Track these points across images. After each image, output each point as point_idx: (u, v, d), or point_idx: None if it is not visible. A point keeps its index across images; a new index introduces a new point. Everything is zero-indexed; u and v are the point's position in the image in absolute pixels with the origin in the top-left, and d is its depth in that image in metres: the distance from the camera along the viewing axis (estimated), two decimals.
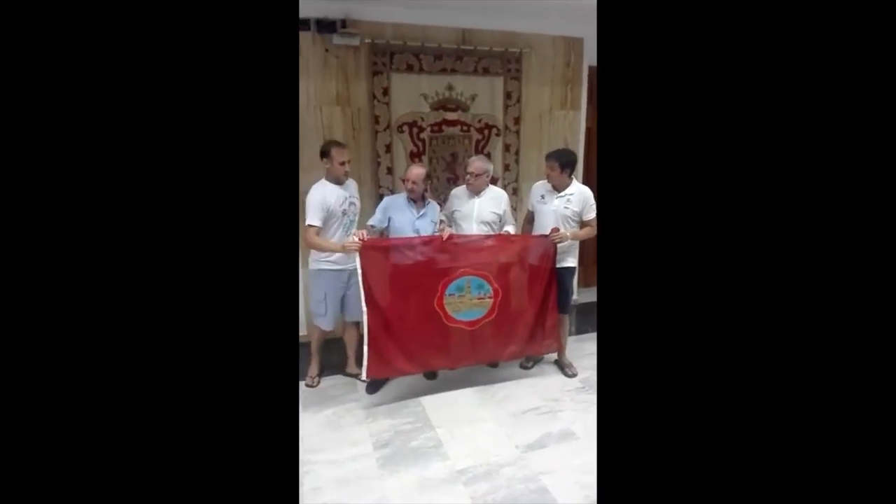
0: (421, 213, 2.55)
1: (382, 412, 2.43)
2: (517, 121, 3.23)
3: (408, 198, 2.55)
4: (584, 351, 3.03)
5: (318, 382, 2.69)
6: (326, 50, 2.73)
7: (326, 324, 2.59)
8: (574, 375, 2.79)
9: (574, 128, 3.41)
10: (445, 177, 3.16)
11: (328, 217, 2.39)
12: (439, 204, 2.75)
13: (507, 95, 3.16)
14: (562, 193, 2.57)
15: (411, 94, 2.96)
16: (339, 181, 2.44)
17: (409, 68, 2.91)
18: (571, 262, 2.71)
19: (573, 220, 2.58)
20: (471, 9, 2.84)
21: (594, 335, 3.27)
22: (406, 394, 2.59)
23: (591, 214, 2.57)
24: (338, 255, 2.42)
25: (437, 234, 2.51)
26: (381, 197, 2.97)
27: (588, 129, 3.52)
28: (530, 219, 2.74)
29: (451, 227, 2.62)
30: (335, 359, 2.79)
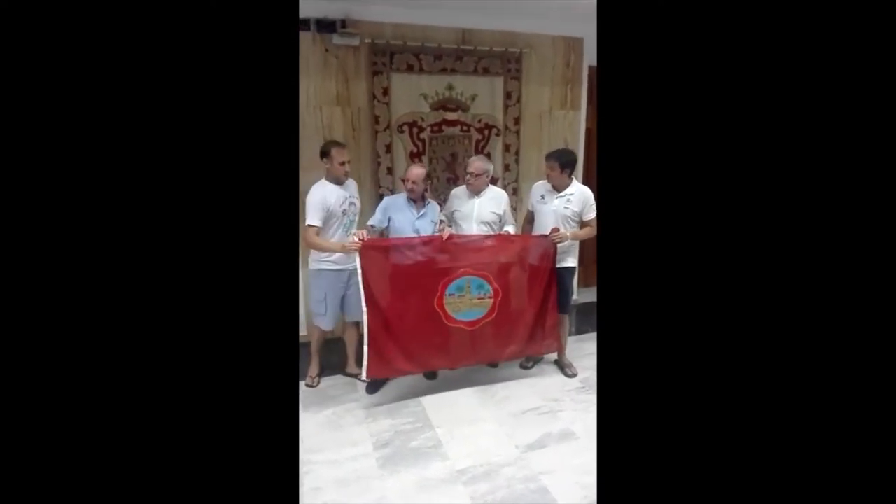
0: (421, 213, 2.55)
1: (382, 412, 2.43)
2: (517, 121, 3.23)
3: (408, 198, 2.55)
4: (584, 351, 3.03)
5: (318, 382, 2.69)
6: (326, 50, 2.73)
7: (327, 324, 2.59)
8: (574, 375, 2.79)
9: (574, 128, 3.41)
10: (445, 177, 3.16)
11: (328, 217, 2.39)
12: (439, 204, 2.75)
13: (507, 95, 3.16)
14: (562, 193, 2.57)
15: (411, 94, 2.96)
16: (339, 181, 2.44)
17: (409, 68, 2.91)
18: (571, 262, 2.71)
19: (573, 220, 2.58)
20: (471, 9, 2.85)
21: (594, 335, 3.27)
22: (406, 394, 2.59)
23: (591, 214, 2.57)
24: (338, 254, 2.42)
25: (437, 234, 2.51)
26: (380, 197, 2.97)
27: (588, 130, 3.52)
28: (530, 219, 2.74)
29: (451, 227, 2.62)
30: (335, 359, 2.79)
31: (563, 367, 2.85)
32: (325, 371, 2.74)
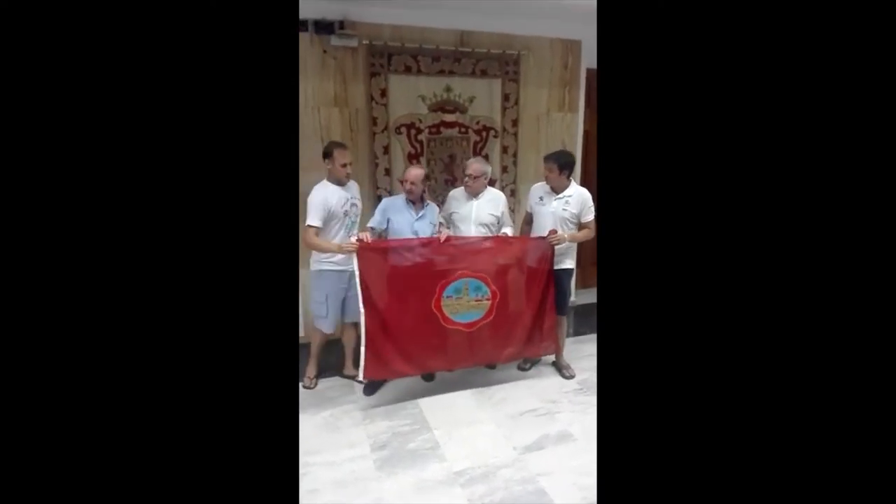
0: (419, 214, 2.55)
1: (380, 414, 2.43)
2: (515, 123, 3.23)
3: (406, 199, 2.54)
4: (581, 352, 3.03)
5: (316, 384, 2.68)
6: (324, 51, 2.73)
7: (328, 326, 2.57)
8: (572, 377, 2.79)
9: (572, 130, 3.42)
10: (443, 178, 3.16)
11: (329, 218, 2.38)
12: (437, 205, 2.75)
13: (505, 97, 3.17)
14: (560, 195, 2.57)
15: (409, 95, 2.96)
16: (340, 182, 2.44)
17: (408, 70, 2.91)
18: (569, 263, 2.71)
19: (571, 222, 2.58)
20: (469, 11, 2.85)
21: (592, 337, 3.28)
22: (403, 395, 2.58)
23: (590, 216, 2.58)
24: (340, 255, 2.41)
25: (435, 235, 2.51)
26: (378, 198, 2.97)
27: (586, 132, 3.53)
28: (529, 220, 2.74)
29: (449, 228, 2.62)
30: (333, 360, 2.79)
31: (560, 368, 2.85)
32: (322, 372, 2.73)
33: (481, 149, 3.19)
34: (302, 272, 2.66)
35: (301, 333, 2.83)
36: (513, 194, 3.30)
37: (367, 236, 2.35)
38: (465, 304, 2.51)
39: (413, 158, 3.05)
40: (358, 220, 2.55)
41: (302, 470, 1.97)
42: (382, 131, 2.96)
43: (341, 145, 2.45)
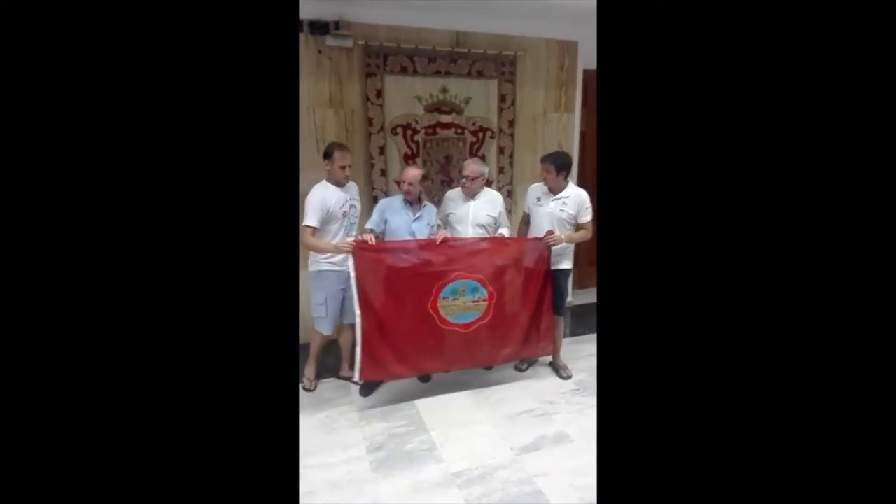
0: (417, 215, 2.54)
1: (376, 415, 2.42)
2: (511, 123, 3.23)
3: (404, 200, 2.54)
4: (578, 353, 3.03)
5: (316, 386, 2.66)
6: (319, 51, 2.72)
7: (327, 327, 2.54)
8: (569, 377, 2.79)
9: (568, 131, 3.42)
10: (440, 179, 3.16)
11: (328, 219, 2.37)
12: (434, 206, 2.75)
13: (502, 98, 3.17)
14: (557, 196, 2.57)
15: (405, 96, 2.96)
16: (339, 183, 2.43)
17: (403, 70, 2.91)
18: (566, 264, 2.71)
19: (569, 223, 2.58)
20: (465, 11, 2.85)
21: (589, 337, 3.28)
22: (400, 397, 2.58)
23: (587, 217, 2.58)
24: (339, 255, 2.39)
25: (432, 237, 2.50)
26: (375, 199, 2.96)
27: (582, 133, 3.53)
28: (526, 220, 2.74)
29: (446, 229, 2.61)
30: (329, 362, 2.77)
31: (557, 369, 2.85)
32: (319, 374, 2.72)
33: (478, 150, 3.19)
34: (301, 273, 2.65)
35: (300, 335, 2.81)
36: (509, 195, 3.30)
37: (371, 238, 2.35)
38: (461, 305, 2.50)
39: (409, 159, 3.04)
40: (357, 221, 2.54)
41: None
42: (378, 132, 2.95)
43: (342, 147, 2.43)
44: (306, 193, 2.36)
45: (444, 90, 3.04)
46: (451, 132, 3.11)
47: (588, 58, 3.31)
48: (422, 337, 2.47)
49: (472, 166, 2.57)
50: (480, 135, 3.18)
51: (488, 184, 2.75)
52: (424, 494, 1.87)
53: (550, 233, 2.53)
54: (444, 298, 2.46)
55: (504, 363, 2.77)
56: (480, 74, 3.07)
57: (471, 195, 2.61)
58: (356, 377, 2.42)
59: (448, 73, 3.00)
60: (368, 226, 2.54)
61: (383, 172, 3.02)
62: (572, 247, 2.70)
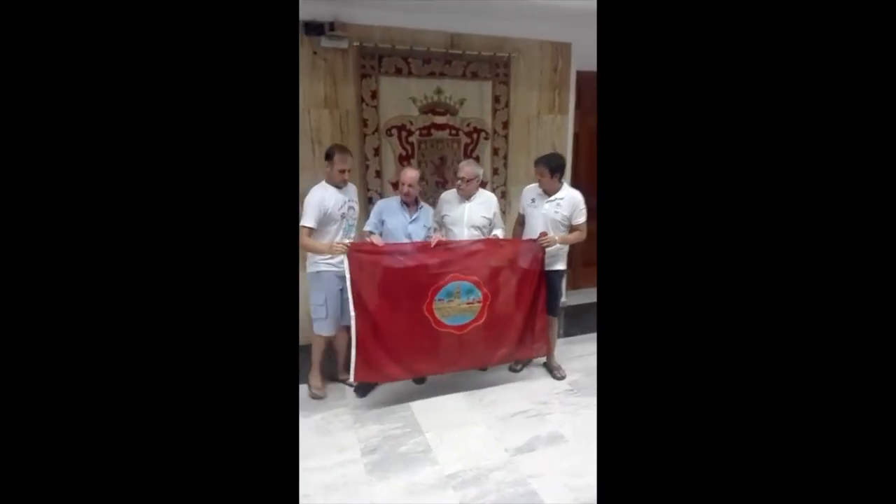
0: (414, 216, 2.54)
1: (371, 417, 2.42)
2: (505, 125, 3.24)
3: (401, 201, 2.54)
4: (572, 353, 3.05)
5: (326, 394, 2.61)
6: (314, 52, 2.71)
7: (328, 328, 2.51)
8: (563, 378, 2.80)
9: (562, 132, 3.43)
10: (434, 180, 3.16)
11: (326, 220, 2.36)
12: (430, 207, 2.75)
13: (496, 99, 3.17)
14: (552, 198, 2.58)
15: (400, 97, 2.95)
16: (338, 185, 2.42)
17: (398, 72, 2.91)
18: (561, 265, 2.72)
19: (563, 225, 2.59)
20: (459, 13, 2.85)
21: (582, 338, 3.30)
22: (394, 398, 2.58)
23: (581, 218, 2.59)
24: (338, 256, 2.37)
25: (427, 239, 2.50)
26: (370, 200, 2.96)
27: (576, 134, 3.55)
28: (521, 221, 2.76)
29: (441, 231, 2.61)
30: (326, 366, 2.76)
31: (551, 369, 2.86)
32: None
33: (472, 151, 3.19)
34: (300, 274, 2.63)
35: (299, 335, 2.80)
36: (503, 196, 3.31)
37: (377, 239, 2.35)
38: (456, 307, 2.50)
39: (404, 160, 3.04)
40: (355, 223, 2.54)
41: None
42: (373, 133, 2.95)
43: (343, 149, 2.42)
44: (302, 194, 2.35)
45: (439, 91, 3.04)
46: (445, 133, 3.11)
47: (581, 59, 3.32)
48: (416, 339, 2.47)
49: (467, 168, 2.57)
50: (475, 136, 3.19)
51: (483, 185, 2.76)
52: (419, 496, 1.88)
53: (544, 234, 2.55)
54: (439, 300, 2.46)
55: (498, 364, 2.78)
56: (475, 76, 3.08)
57: (466, 197, 2.61)
58: (350, 379, 2.42)
59: (442, 75, 3.00)
60: (367, 227, 2.54)
61: (378, 174, 3.01)
62: (566, 248, 2.71)
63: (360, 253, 2.34)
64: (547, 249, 2.57)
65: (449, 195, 2.69)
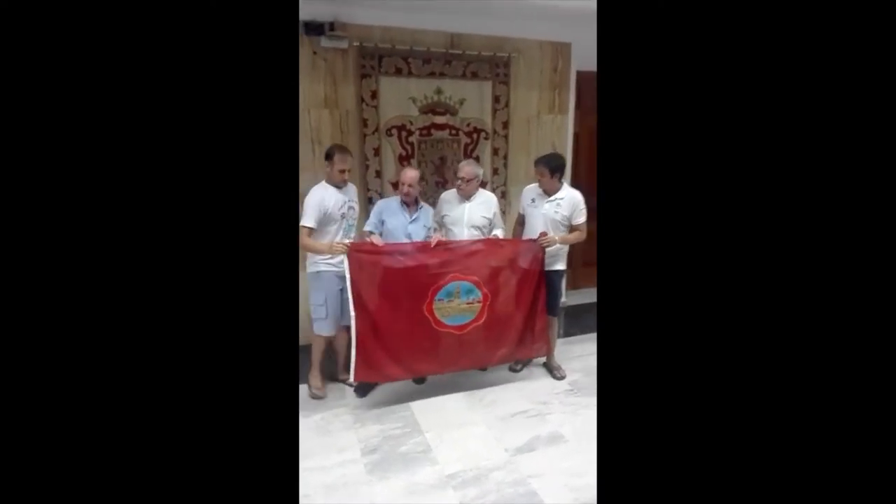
0: (414, 217, 2.54)
1: (371, 417, 2.42)
2: (505, 125, 3.24)
3: (402, 201, 2.54)
4: (572, 353, 3.05)
5: (326, 394, 2.60)
6: (314, 52, 2.71)
7: (328, 328, 2.50)
8: (562, 378, 2.80)
9: (562, 132, 3.43)
10: (434, 180, 3.16)
11: (326, 220, 2.36)
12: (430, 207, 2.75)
13: (496, 99, 3.17)
14: (552, 198, 2.58)
15: (400, 97, 2.95)
16: (338, 185, 2.42)
17: (398, 72, 2.91)
18: (561, 265, 2.72)
19: (563, 225, 2.59)
20: (459, 13, 2.85)
21: (582, 338, 3.30)
22: (394, 398, 2.58)
23: (581, 219, 2.59)
24: (338, 256, 2.37)
25: (427, 239, 2.50)
26: (370, 200, 2.96)
27: (576, 134, 3.55)
28: (521, 221, 2.76)
29: (441, 231, 2.61)
30: (327, 366, 2.76)
31: (551, 369, 2.86)
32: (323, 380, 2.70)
33: (472, 151, 3.19)
34: (299, 274, 2.63)
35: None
36: (503, 196, 3.31)
37: (378, 240, 2.36)
38: (456, 307, 2.50)
39: (404, 160, 3.04)
40: (355, 223, 2.54)
41: None
42: (373, 133, 2.95)
43: (343, 150, 2.42)
44: (302, 194, 2.35)
45: (439, 91, 3.04)
46: (445, 133, 3.11)
47: (581, 59, 3.32)
48: (416, 339, 2.47)
49: (467, 168, 2.57)
50: (475, 136, 3.18)
51: (483, 185, 2.76)
52: (419, 496, 1.88)
53: (545, 234, 2.55)
54: (439, 301, 2.46)
55: (499, 364, 2.78)
56: (475, 76, 3.08)
57: (466, 197, 2.61)
58: (350, 378, 2.42)
59: (442, 75, 3.00)
60: (367, 227, 2.53)
61: (378, 173, 3.01)
62: (566, 248, 2.71)
63: (359, 253, 2.34)
64: (547, 249, 2.57)
65: (449, 195, 2.69)
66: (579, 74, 3.38)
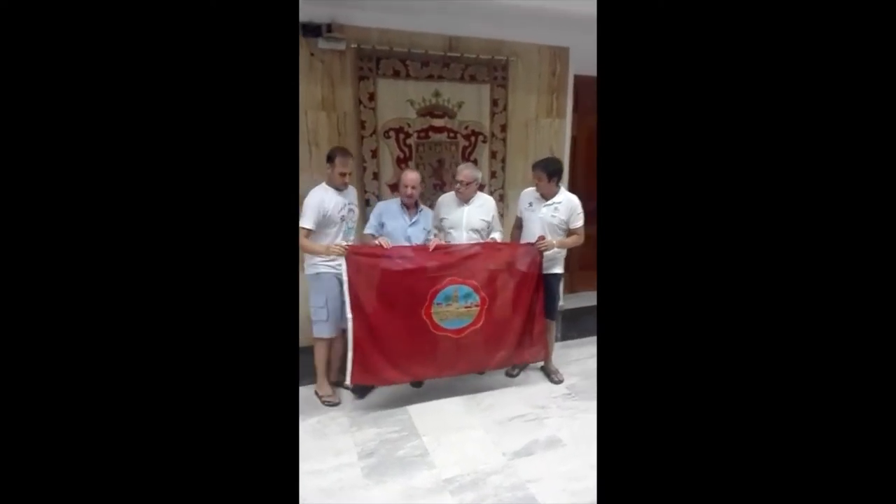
0: (413, 219, 2.53)
1: (368, 421, 2.40)
2: (503, 128, 3.24)
3: (401, 204, 2.53)
4: (569, 357, 3.04)
5: (340, 400, 2.55)
6: (312, 54, 2.71)
7: (328, 331, 2.46)
8: (560, 382, 2.79)
9: (560, 136, 3.44)
10: (432, 183, 3.15)
11: (326, 222, 2.34)
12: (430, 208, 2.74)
13: (494, 103, 3.18)
14: (549, 202, 2.58)
15: (398, 99, 2.95)
16: (338, 187, 2.40)
17: (396, 74, 2.91)
18: (558, 268, 2.72)
19: (560, 229, 2.59)
20: (457, 16, 2.86)
21: (580, 341, 3.29)
22: (392, 402, 2.56)
23: (578, 223, 2.59)
24: (338, 257, 2.34)
25: (426, 242, 2.49)
26: (367, 202, 2.95)
27: (573, 138, 3.56)
28: (519, 225, 2.75)
29: (440, 235, 2.60)
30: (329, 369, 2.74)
31: (549, 373, 2.85)
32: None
33: (470, 154, 3.19)
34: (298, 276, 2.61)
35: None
36: (501, 199, 3.31)
37: (385, 242, 2.35)
38: (454, 311, 2.49)
39: (402, 163, 3.04)
40: (355, 226, 2.52)
41: None
42: (371, 135, 2.94)
43: (345, 152, 2.40)
44: (299, 196, 2.33)
45: (437, 94, 3.04)
46: (443, 136, 3.11)
47: (579, 63, 3.33)
48: (414, 343, 2.45)
49: (466, 171, 2.56)
50: (473, 139, 3.19)
51: (480, 188, 2.76)
52: (416, 501, 1.86)
53: (542, 238, 2.54)
54: (437, 305, 2.45)
55: (497, 368, 2.76)
56: (473, 79, 3.08)
57: (465, 200, 2.61)
58: (347, 381, 2.40)
59: (441, 78, 3.00)
60: (367, 230, 2.52)
61: (375, 176, 3.01)
62: (564, 252, 2.71)
63: (357, 255, 2.32)
64: (545, 253, 2.57)
65: (447, 198, 2.68)
66: (577, 78, 3.39)
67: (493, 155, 3.26)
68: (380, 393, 2.63)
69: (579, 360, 3.04)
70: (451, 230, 2.60)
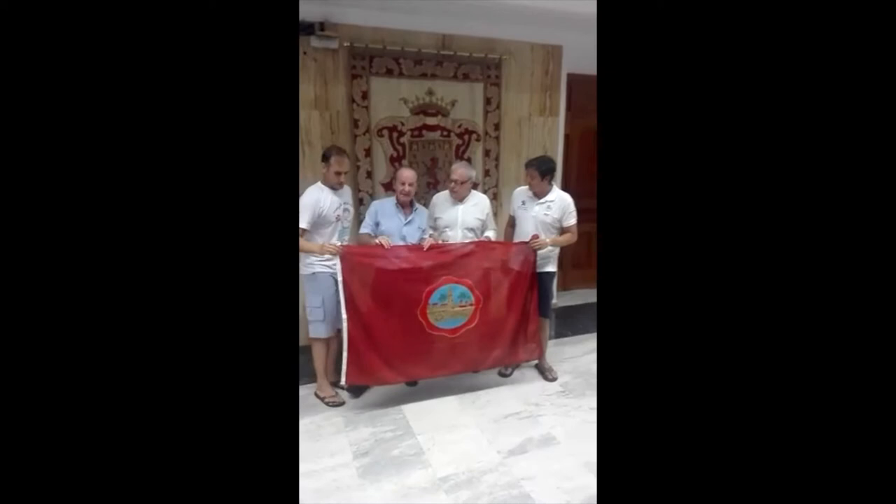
0: (409, 219, 2.53)
1: (362, 420, 2.40)
2: (497, 126, 3.24)
3: (397, 203, 2.52)
4: (563, 355, 3.06)
5: (343, 400, 2.54)
6: (304, 52, 2.69)
7: (325, 330, 2.45)
8: (554, 380, 2.81)
9: (553, 134, 3.45)
10: (425, 181, 3.15)
11: (321, 222, 2.33)
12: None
13: (487, 101, 3.17)
14: (542, 200, 2.59)
15: (391, 98, 2.94)
16: (334, 187, 2.39)
17: (389, 72, 2.90)
18: (551, 267, 2.73)
19: (553, 227, 2.60)
20: (450, 14, 2.85)
21: (573, 339, 3.31)
22: (386, 401, 2.56)
23: (571, 221, 2.60)
24: (334, 257, 2.33)
25: (421, 241, 2.49)
26: (360, 201, 2.94)
27: (566, 136, 3.57)
28: (512, 223, 2.76)
29: (435, 234, 2.60)
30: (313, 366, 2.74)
31: (543, 371, 2.86)
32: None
33: (463, 152, 3.19)
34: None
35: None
36: (495, 197, 3.31)
37: (385, 241, 2.35)
38: (449, 310, 2.50)
39: (395, 161, 3.03)
40: (350, 225, 2.51)
41: None
42: (364, 134, 2.93)
43: (341, 152, 2.38)
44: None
45: (430, 92, 3.03)
46: (436, 134, 3.11)
47: (572, 62, 3.34)
48: (409, 342, 2.45)
49: (460, 170, 2.56)
50: (466, 137, 3.18)
51: (474, 187, 2.76)
52: (412, 500, 1.86)
53: (536, 237, 2.55)
54: (432, 304, 2.45)
55: (492, 367, 2.77)
56: (466, 77, 3.08)
57: (459, 199, 2.60)
58: (342, 381, 2.39)
59: (434, 76, 3.00)
60: (363, 230, 2.51)
61: (369, 174, 3.00)
62: (557, 250, 2.72)
63: (352, 255, 2.32)
64: (538, 252, 2.58)
65: (441, 197, 2.68)
66: (570, 77, 3.39)
67: (486, 153, 3.26)
68: (374, 392, 2.63)
69: (573, 357, 3.06)
70: (447, 229, 2.60)
